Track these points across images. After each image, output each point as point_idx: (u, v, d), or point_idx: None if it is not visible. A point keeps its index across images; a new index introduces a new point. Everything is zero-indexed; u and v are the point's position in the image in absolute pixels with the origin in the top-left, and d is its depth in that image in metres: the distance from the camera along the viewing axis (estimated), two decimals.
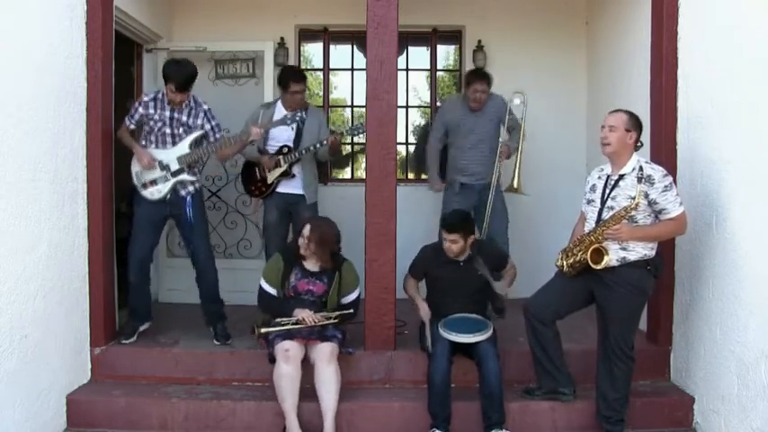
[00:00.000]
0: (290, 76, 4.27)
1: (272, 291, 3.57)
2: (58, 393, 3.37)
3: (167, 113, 3.82)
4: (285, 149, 4.26)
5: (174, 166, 3.82)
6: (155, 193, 3.83)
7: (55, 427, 3.33)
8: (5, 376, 2.90)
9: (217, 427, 3.40)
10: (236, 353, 3.76)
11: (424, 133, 5.40)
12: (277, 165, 4.25)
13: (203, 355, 3.74)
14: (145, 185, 3.83)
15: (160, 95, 3.85)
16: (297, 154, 4.22)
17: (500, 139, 4.59)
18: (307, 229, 3.53)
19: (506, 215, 4.68)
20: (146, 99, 3.86)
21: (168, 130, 3.83)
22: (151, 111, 3.82)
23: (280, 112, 4.30)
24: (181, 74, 3.69)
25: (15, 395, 2.99)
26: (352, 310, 3.59)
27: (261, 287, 3.58)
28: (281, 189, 4.32)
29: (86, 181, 3.60)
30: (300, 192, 4.34)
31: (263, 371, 3.57)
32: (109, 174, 3.74)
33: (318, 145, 4.19)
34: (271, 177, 4.27)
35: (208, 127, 3.89)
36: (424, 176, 5.61)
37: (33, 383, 3.13)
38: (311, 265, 3.58)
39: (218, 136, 3.92)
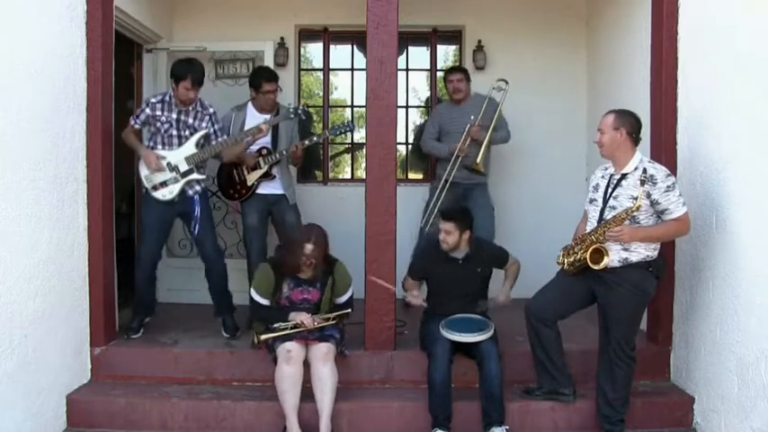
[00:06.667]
0: (263, 76, 4.23)
1: (265, 301, 3.52)
2: (58, 393, 3.37)
3: (174, 115, 3.85)
4: (264, 151, 4.24)
5: (184, 167, 3.85)
6: (166, 194, 3.85)
7: (55, 427, 3.33)
8: (6, 376, 2.90)
9: (217, 427, 3.41)
10: (236, 353, 3.76)
11: (418, 133, 5.41)
12: (257, 166, 4.23)
13: (203, 355, 3.75)
14: (155, 188, 3.85)
15: (167, 98, 3.87)
16: (277, 155, 4.22)
17: (471, 118, 4.58)
18: (309, 249, 3.43)
19: (491, 212, 4.67)
20: (153, 100, 3.87)
21: (175, 132, 3.87)
22: (158, 112, 3.84)
23: (252, 113, 4.28)
24: (195, 69, 3.76)
25: (15, 395, 2.98)
26: (349, 310, 3.58)
27: (253, 298, 3.54)
28: (261, 190, 4.29)
29: (86, 181, 3.59)
30: (281, 191, 4.33)
31: (263, 371, 3.57)
32: (109, 174, 3.73)
33: (285, 152, 4.22)
34: (251, 179, 4.24)
35: (212, 130, 3.93)
36: (422, 176, 5.63)
37: (33, 383, 3.13)
38: (305, 273, 3.54)
39: (220, 140, 3.95)
